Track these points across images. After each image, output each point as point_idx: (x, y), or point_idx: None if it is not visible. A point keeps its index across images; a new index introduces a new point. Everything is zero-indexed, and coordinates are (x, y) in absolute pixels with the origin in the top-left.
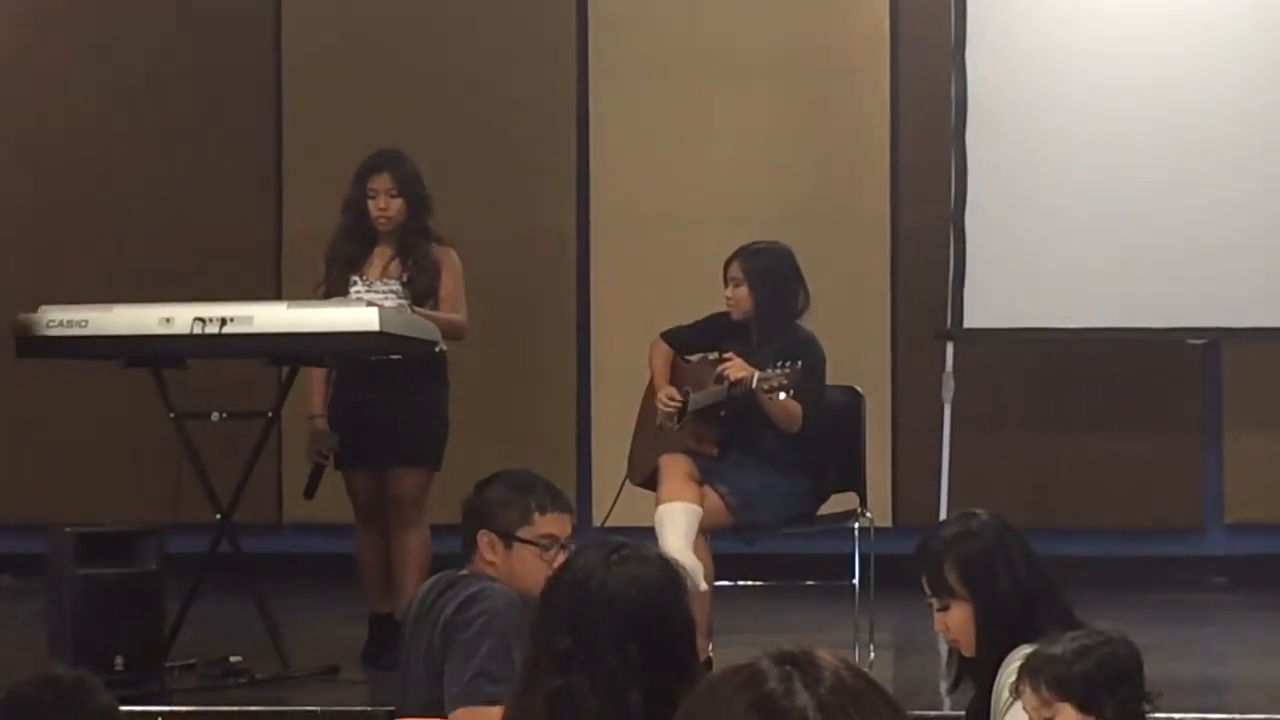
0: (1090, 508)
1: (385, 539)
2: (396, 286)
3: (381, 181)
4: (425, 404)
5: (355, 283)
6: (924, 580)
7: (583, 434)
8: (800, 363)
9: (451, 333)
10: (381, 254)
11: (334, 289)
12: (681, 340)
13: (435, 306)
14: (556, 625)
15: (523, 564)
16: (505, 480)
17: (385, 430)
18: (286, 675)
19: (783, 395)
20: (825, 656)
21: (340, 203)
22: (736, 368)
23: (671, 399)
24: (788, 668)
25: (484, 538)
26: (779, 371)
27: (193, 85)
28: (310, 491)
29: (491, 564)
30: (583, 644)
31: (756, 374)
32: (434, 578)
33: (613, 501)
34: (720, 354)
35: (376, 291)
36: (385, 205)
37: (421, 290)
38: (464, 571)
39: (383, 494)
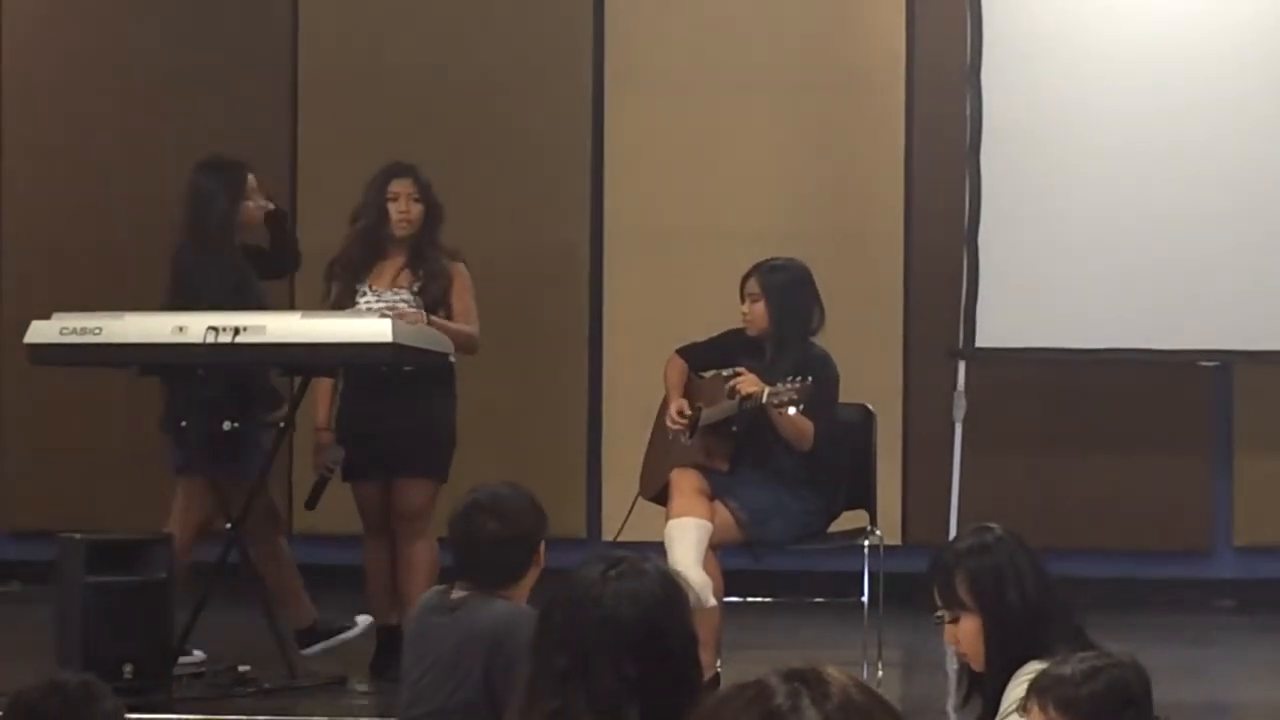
0: (1099, 528)
1: (392, 550)
2: (408, 296)
3: (405, 186)
4: (433, 415)
5: (364, 294)
6: (935, 592)
7: (593, 448)
8: (811, 378)
9: (466, 345)
10: (392, 263)
11: (343, 298)
12: (697, 357)
13: (447, 317)
14: (553, 644)
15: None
16: (517, 496)
17: (393, 441)
18: (294, 685)
19: (793, 410)
20: (834, 674)
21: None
22: (748, 383)
23: (681, 412)
24: (796, 684)
25: (541, 550)
26: (790, 386)
27: (209, 93)
28: (312, 503)
29: (535, 574)
30: (579, 662)
31: (767, 389)
32: (435, 591)
33: (625, 516)
34: (734, 370)
35: (385, 301)
36: (407, 209)
37: (433, 300)
38: (499, 594)
39: (390, 505)
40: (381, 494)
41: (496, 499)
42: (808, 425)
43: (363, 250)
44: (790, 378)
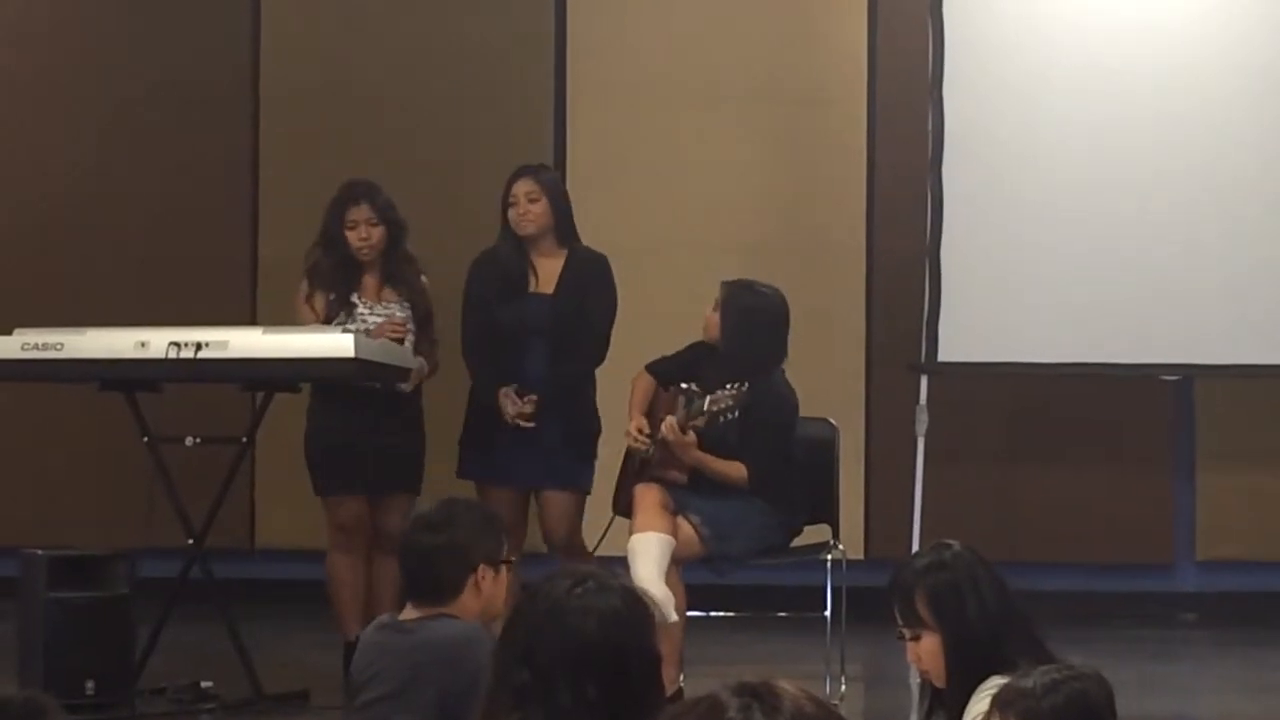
0: (1062, 542)
1: (366, 565)
2: (395, 311)
3: (361, 213)
4: (411, 429)
5: (357, 304)
6: (896, 610)
7: None
8: (746, 384)
9: (432, 372)
10: (371, 279)
11: (332, 307)
12: (664, 371)
13: (429, 334)
14: (515, 658)
15: (502, 586)
16: (465, 510)
17: (377, 456)
18: (257, 700)
19: (734, 415)
20: (786, 687)
21: (316, 232)
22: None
23: (641, 430)
24: (748, 698)
25: (484, 572)
26: (728, 393)
27: (170, 108)
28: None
29: (479, 597)
30: (539, 677)
31: (708, 396)
32: (386, 614)
33: (603, 533)
34: (690, 385)
35: (379, 315)
36: (367, 235)
37: (423, 316)
38: (444, 611)
39: (371, 519)
40: (364, 507)
41: (439, 511)
42: (738, 472)
43: (332, 268)
44: (729, 385)
